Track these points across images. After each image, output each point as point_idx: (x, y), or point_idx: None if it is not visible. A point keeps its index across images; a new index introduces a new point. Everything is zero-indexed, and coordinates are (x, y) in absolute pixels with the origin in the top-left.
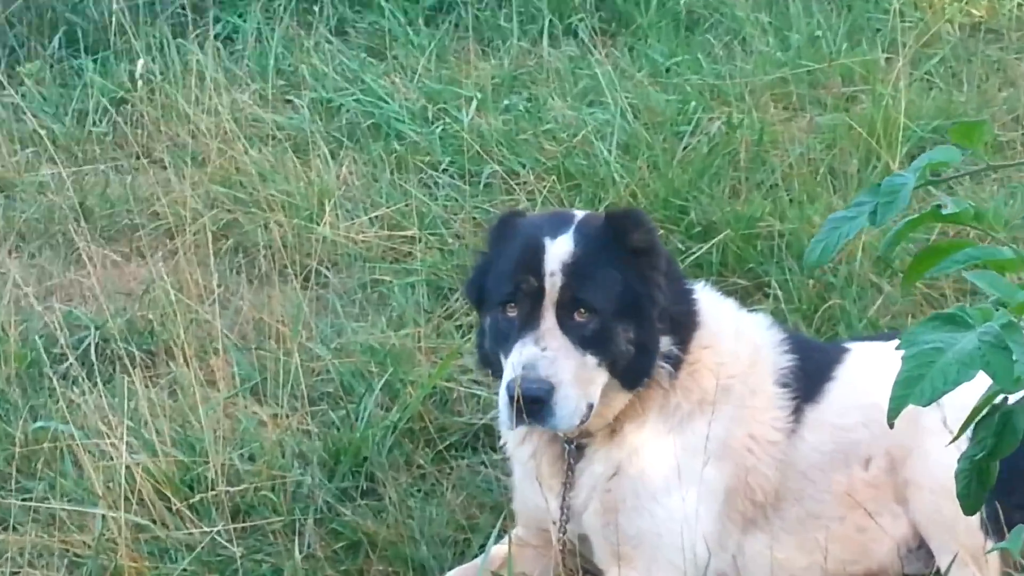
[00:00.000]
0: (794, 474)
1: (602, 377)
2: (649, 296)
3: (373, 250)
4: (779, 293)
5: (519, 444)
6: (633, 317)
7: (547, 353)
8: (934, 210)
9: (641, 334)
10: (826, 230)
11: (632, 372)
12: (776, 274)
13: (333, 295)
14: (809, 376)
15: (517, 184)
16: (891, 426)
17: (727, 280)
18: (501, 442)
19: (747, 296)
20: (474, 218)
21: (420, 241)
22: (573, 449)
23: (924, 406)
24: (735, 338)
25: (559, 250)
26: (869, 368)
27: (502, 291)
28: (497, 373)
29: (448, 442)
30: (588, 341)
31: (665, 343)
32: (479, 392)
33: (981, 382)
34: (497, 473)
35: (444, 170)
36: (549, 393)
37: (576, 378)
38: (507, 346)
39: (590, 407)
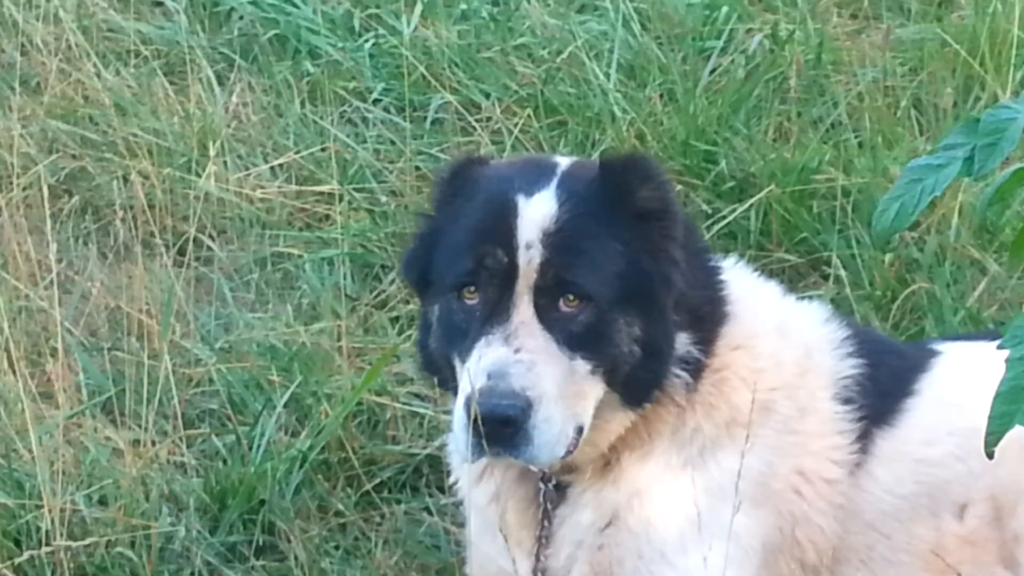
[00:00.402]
0: (860, 526)
1: (596, 390)
2: (661, 276)
3: (276, 212)
4: (842, 274)
5: (477, 483)
6: (639, 306)
7: (521, 356)
8: None
9: (650, 330)
10: (903, 184)
11: (637, 383)
12: (839, 247)
13: (219, 275)
14: (882, 389)
15: (478, 121)
16: (990, 457)
17: (770, 255)
18: (451, 480)
19: (798, 278)
20: (417, 168)
21: (342, 200)
22: (551, 490)
23: None
24: (779, 336)
25: (537, 212)
26: (966, 379)
27: (458, 270)
28: (448, 383)
29: (378, 480)
30: (577, 340)
31: (682, 342)
32: (422, 410)
33: None
34: (445, 523)
35: (376, 101)
36: (525, 412)
37: (561, 391)
38: (464, 346)
39: (579, 431)
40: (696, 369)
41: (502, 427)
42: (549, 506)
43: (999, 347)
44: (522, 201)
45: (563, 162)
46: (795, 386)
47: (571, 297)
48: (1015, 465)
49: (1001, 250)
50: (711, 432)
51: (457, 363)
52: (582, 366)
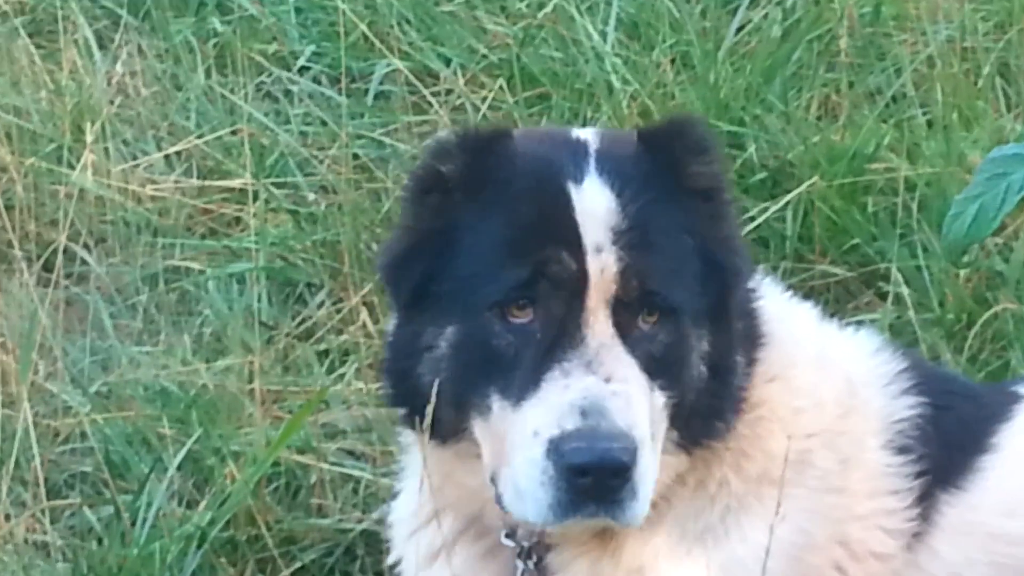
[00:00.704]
0: None
1: (662, 429)
2: (733, 270)
3: (171, 215)
4: (904, 291)
5: (429, 564)
6: (710, 316)
7: (616, 388)
8: None
9: (718, 344)
10: (983, 180)
11: (701, 415)
12: (900, 258)
13: (96, 296)
14: (949, 440)
15: (435, 95)
16: None
17: (811, 267)
18: (392, 559)
19: (847, 296)
20: (355, 156)
21: (256, 199)
22: (532, 571)
23: None
24: (817, 368)
25: (596, 204)
26: None
27: (506, 281)
28: (446, 428)
29: (299, 564)
30: (656, 365)
31: (739, 364)
32: (356, 472)
33: None
34: None
35: (304, 70)
36: (634, 458)
37: (651, 430)
38: (512, 379)
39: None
40: (735, 402)
41: (612, 478)
42: None
43: None
44: (573, 191)
45: (584, 135)
46: (837, 431)
47: (648, 312)
48: None
49: None
50: (739, 489)
51: (496, 403)
52: (659, 399)
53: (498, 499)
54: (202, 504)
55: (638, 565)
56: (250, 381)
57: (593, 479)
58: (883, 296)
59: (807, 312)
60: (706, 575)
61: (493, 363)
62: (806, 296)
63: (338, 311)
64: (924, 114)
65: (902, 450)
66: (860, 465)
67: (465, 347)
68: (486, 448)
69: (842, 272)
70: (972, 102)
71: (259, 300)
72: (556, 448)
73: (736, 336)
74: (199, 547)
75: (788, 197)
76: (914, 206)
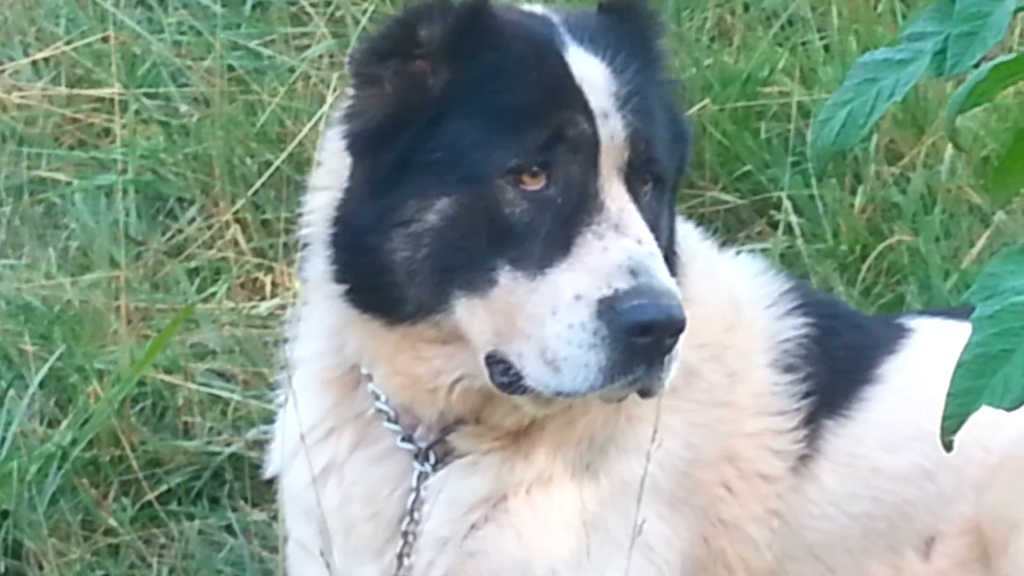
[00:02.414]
0: (799, 550)
1: None
2: (687, 142)
3: (37, 124)
4: (795, 220)
5: (310, 482)
6: (673, 185)
7: (651, 249)
8: None
9: (670, 222)
10: (853, 85)
11: None
12: (793, 185)
13: None
14: (835, 366)
15: (314, 5)
16: (948, 449)
17: (701, 194)
18: (270, 471)
19: (739, 225)
20: (231, 68)
21: (126, 109)
22: (429, 470)
23: (1008, 409)
24: (703, 281)
25: (594, 72)
26: (946, 368)
27: (522, 145)
28: (410, 310)
29: (164, 487)
30: (653, 232)
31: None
32: (225, 394)
33: None
34: (254, 545)
35: None
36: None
37: None
38: (531, 247)
39: None
40: None
41: (671, 336)
42: (423, 493)
43: (963, 301)
44: (571, 59)
45: (538, 10)
46: (723, 344)
47: (647, 179)
48: (1008, 489)
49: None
50: (639, 399)
51: (506, 274)
52: None
53: (499, 380)
54: (64, 423)
55: (548, 474)
56: (116, 297)
57: (653, 337)
58: (775, 225)
59: (691, 231)
60: (605, 490)
61: (503, 233)
62: (697, 223)
63: (209, 227)
64: (821, 39)
65: (788, 369)
66: (747, 380)
67: (464, 218)
68: (481, 326)
69: (733, 199)
70: (870, 26)
71: (127, 214)
72: (611, 307)
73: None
74: (60, 467)
75: None
76: (808, 133)
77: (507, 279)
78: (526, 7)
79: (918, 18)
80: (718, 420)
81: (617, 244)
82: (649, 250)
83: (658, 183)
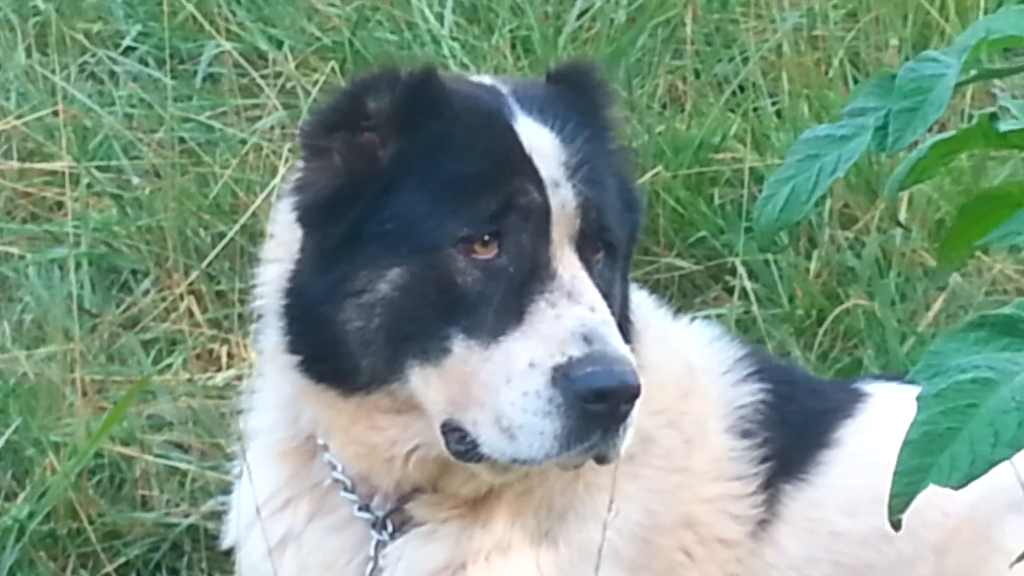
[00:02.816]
0: None
1: None
2: (639, 212)
3: None
4: (750, 286)
5: (266, 555)
6: (626, 256)
7: (603, 316)
8: (984, 124)
9: (623, 289)
10: (796, 162)
11: None
12: (747, 251)
13: None
14: (793, 432)
15: (264, 77)
16: (895, 527)
17: (655, 260)
18: (227, 543)
19: (694, 291)
20: (182, 140)
21: (79, 182)
22: (386, 539)
23: (956, 487)
24: (659, 348)
25: (543, 141)
26: (904, 431)
27: (474, 214)
28: (365, 380)
29: (123, 559)
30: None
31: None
32: (183, 465)
33: None
34: None
35: (129, 50)
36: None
37: None
38: (485, 315)
39: None
40: None
41: (626, 403)
42: (382, 562)
43: (909, 379)
44: (519, 128)
45: (486, 80)
46: (679, 411)
47: (599, 246)
48: (965, 554)
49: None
50: (598, 467)
51: (459, 344)
52: None
53: (454, 448)
54: (21, 496)
55: (507, 542)
56: (71, 370)
57: (608, 404)
58: (730, 291)
59: (645, 298)
60: (564, 557)
61: (455, 302)
62: (652, 290)
63: (163, 299)
64: (773, 104)
65: (745, 434)
66: (704, 446)
67: (416, 288)
68: (436, 395)
69: (688, 265)
70: (822, 92)
71: (81, 287)
72: (565, 375)
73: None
74: (18, 541)
75: None
76: None
77: (461, 348)
78: (474, 78)
79: (859, 93)
80: (676, 486)
81: (570, 312)
82: (602, 317)
83: (610, 251)
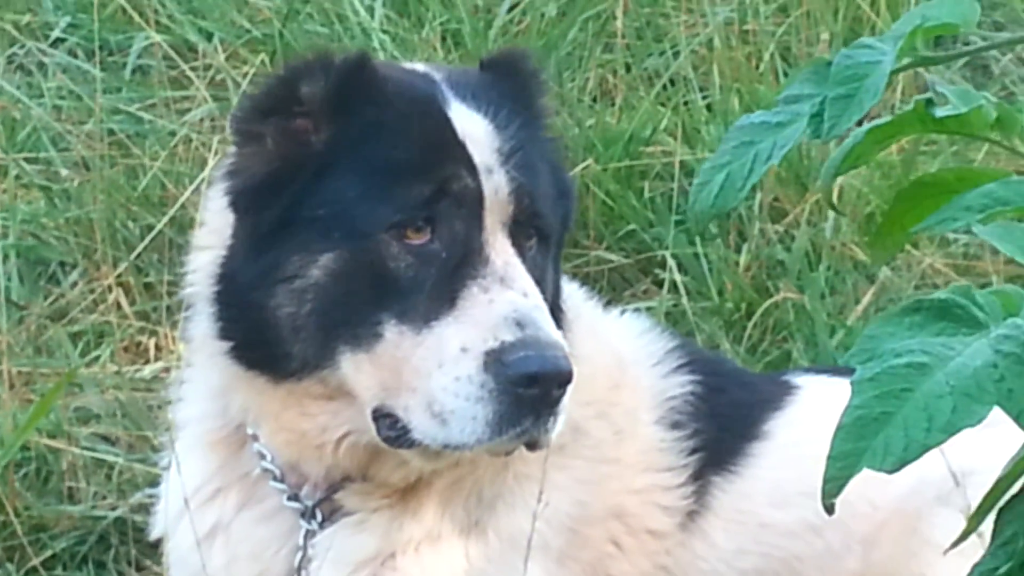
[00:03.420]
0: None
1: None
2: (571, 199)
3: None
4: (679, 279)
5: (195, 546)
6: (557, 243)
7: (536, 302)
8: (920, 109)
9: (554, 278)
10: (730, 149)
11: None
12: (677, 244)
13: None
14: (722, 423)
15: (194, 69)
16: (829, 512)
17: (585, 253)
18: (155, 534)
19: (623, 284)
20: (111, 132)
21: (7, 174)
22: (315, 530)
23: (889, 471)
24: (589, 340)
25: (475, 127)
26: (831, 424)
27: (406, 200)
28: (290, 366)
29: (49, 552)
30: (539, 287)
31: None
32: (110, 457)
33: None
34: None
35: (59, 42)
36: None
37: None
38: (418, 300)
39: None
40: None
41: (559, 388)
42: (311, 551)
43: (843, 362)
44: (452, 114)
45: (419, 67)
46: (609, 402)
47: (531, 234)
48: (894, 546)
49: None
50: (529, 455)
51: (391, 329)
52: None
53: (385, 434)
54: None
55: (437, 532)
56: None
57: (540, 389)
58: (660, 284)
59: (575, 290)
60: (494, 546)
61: (387, 288)
62: (582, 283)
63: (92, 291)
64: (703, 98)
65: (675, 426)
66: (634, 438)
67: (348, 273)
68: (368, 381)
69: (618, 258)
70: (752, 86)
71: (9, 278)
72: (498, 359)
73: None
74: None
75: None
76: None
77: (393, 333)
78: (408, 65)
79: (794, 80)
80: (605, 477)
81: (502, 297)
82: (535, 303)
83: (543, 238)
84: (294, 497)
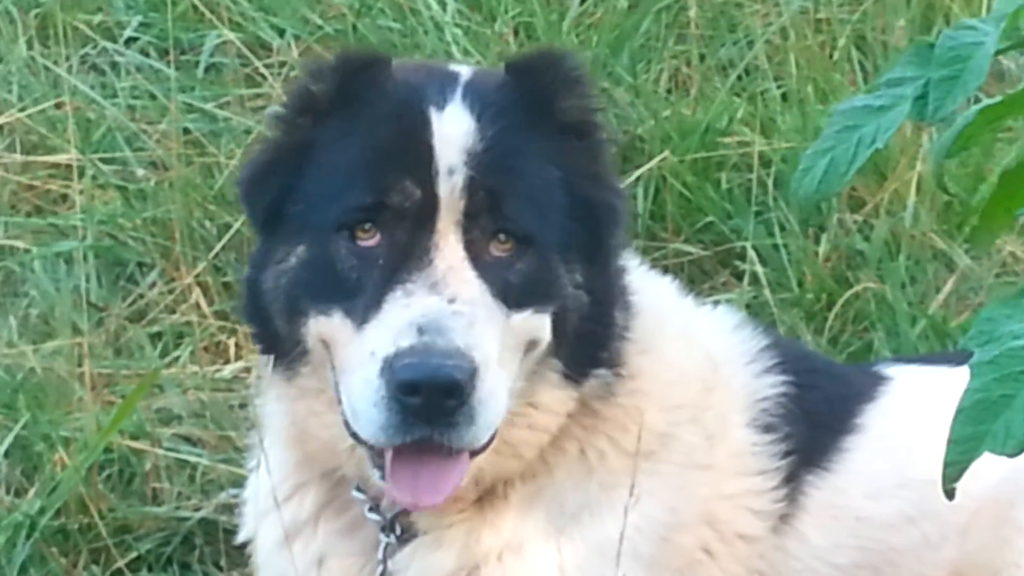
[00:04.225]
0: None
1: (531, 357)
2: (607, 207)
3: None
4: (760, 271)
5: (280, 544)
6: (582, 249)
7: (459, 308)
8: None
9: (595, 279)
10: (833, 133)
11: (583, 344)
12: (757, 235)
13: None
14: (815, 420)
15: (268, 67)
16: (949, 497)
17: (663, 246)
18: (242, 536)
19: (702, 276)
20: (186, 131)
21: (83, 175)
22: (395, 544)
23: (1011, 455)
24: (681, 340)
25: (454, 128)
26: (924, 414)
27: (346, 204)
28: (285, 350)
29: (134, 554)
30: (515, 294)
31: (619, 314)
32: (193, 458)
33: None
34: None
35: (131, 41)
36: (471, 379)
37: (500, 357)
38: (358, 301)
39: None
40: (616, 365)
41: (444, 398)
42: (390, 565)
43: (962, 346)
44: (434, 115)
45: (460, 68)
46: (702, 406)
47: (503, 238)
48: (988, 534)
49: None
50: (615, 464)
51: (339, 326)
52: (520, 325)
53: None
54: (31, 492)
55: (518, 541)
56: (79, 364)
57: (424, 398)
58: (739, 276)
59: (667, 286)
60: (581, 554)
61: (339, 285)
62: (661, 276)
63: (170, 291)
64: (778, 87)
65: (767, 429)
66: (725, 442)
67: (311, 267)
68: (332, 375)
69: (696, 251)
70: (827, 74)
71: (88, 280)
72: (390, 366)
73: (618, 274)
74: (28, 536)
75: (638, 173)
76: (769, 182)
77: (339, 328)
78: (450, 66)
79: (897, 63)
80: (697, 483)
81: (420, 302)
82: (455, 309)
83: (523, 241)
84: (375, 509)
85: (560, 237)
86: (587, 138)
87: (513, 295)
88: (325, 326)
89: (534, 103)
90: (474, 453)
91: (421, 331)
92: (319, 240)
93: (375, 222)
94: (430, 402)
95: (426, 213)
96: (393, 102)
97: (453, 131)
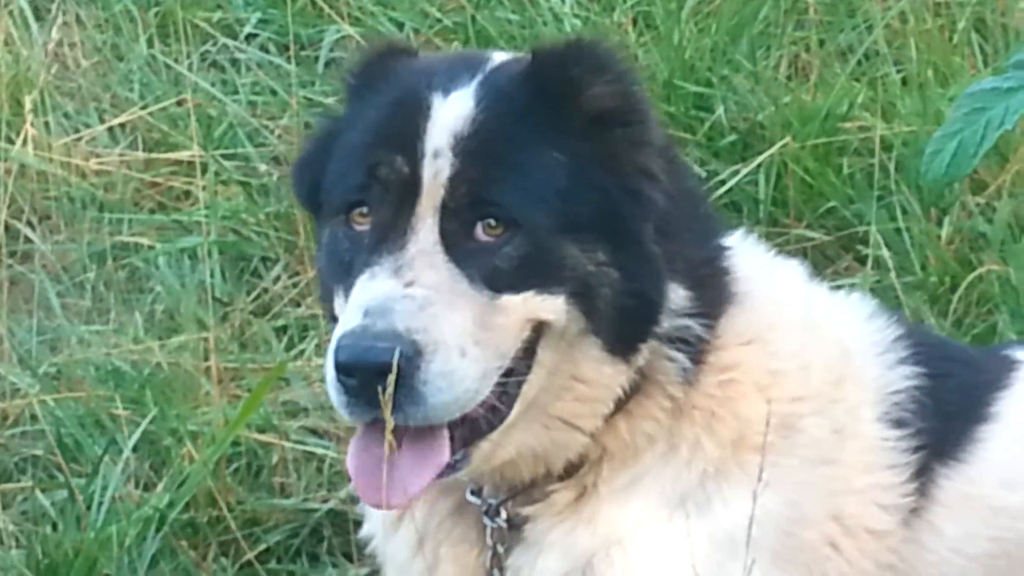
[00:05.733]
0: None
1: (553, 334)
2: (629, 192)
3: (117, 189)
4: (884, 254)
5: (394, 529)
6: (601, 232)
7: (413, 292)
8: None
9: (625, 259)
10: (962, 116)
11: (622, 317)
12: (879, 220)
13: (42, 275)
14: (947, 411)
15: None
16: None
17: (786, 232)
18: (363, 531)
19: (825, 261)
20: (307, 126)
21: (206, 171)
22: (502, 528)
23: None
24: (805, 330)
25: (451, 113)
26: None
27: (346, 184)
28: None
29: (263, 546)
30: (506, 278)
31: (678, 296)
32: (320, 450)
33: None
34: None
35: (251, 37)
36: (411, 361)
37: (476, 338)
38: (348, 283)
39: (508, 374)
40: (697, 352)
41: (375, 378)
42: (500, 549)
43: None
44: (437, 100)
45: (497, 57)
46: (829, 398)
47: (492, 223)
48: None
49: None
50: (714, 454)
51: (340, 300)
52: (514, 307)
53: None
54: (160, 486)
55: (617, 536)
56: (206, 359)
57: (359, 379)
58: (862, 260)
59: (792, 273)
60: (695, 546)
61: (339, 267)
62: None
63: (295, 285)
64: (898, 71)
65: (899, 423)
66: (855, 437)
67: (326, 252)
68: None
69: (819, 236)
70: (947, 58)
71: (212, 275)
72: (336, 347)
73: (656, 257)
74: (158, 530)
75: (759, 159)
76: (891, 166)
77: (341, 309)
78: (485, 53)
79: (1023, 45)
80: (824, 478)
81: (378, 286)
82: (407, 293)
83: (511, 226)
84: (476, 491)
85: (561, 220)
86: (620, 124)
87: (503, 278)
88: (338, 308)
89: (554, 90)
90: (451, 467)
91: (367, 314)
92: (330, 224)
93: (367, 202)
94: (365, 383)
95: (409, 194)
96: (402, 88)
97: (448, 115)
